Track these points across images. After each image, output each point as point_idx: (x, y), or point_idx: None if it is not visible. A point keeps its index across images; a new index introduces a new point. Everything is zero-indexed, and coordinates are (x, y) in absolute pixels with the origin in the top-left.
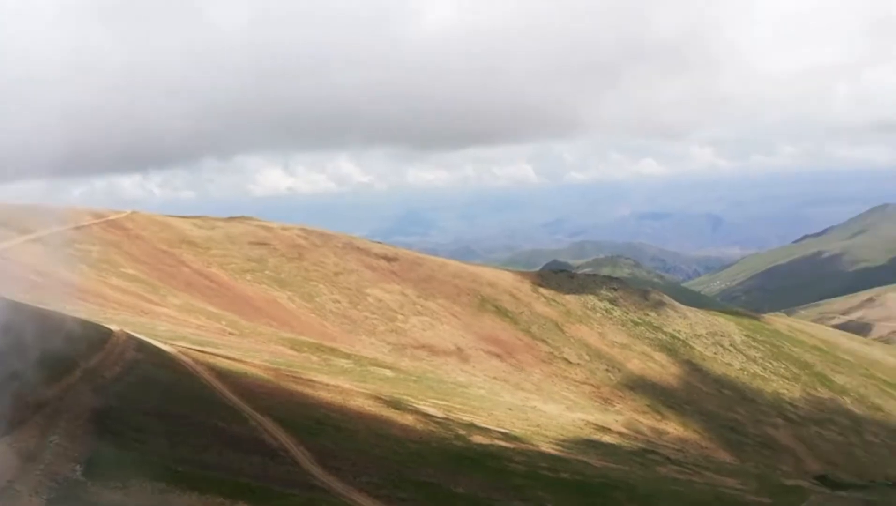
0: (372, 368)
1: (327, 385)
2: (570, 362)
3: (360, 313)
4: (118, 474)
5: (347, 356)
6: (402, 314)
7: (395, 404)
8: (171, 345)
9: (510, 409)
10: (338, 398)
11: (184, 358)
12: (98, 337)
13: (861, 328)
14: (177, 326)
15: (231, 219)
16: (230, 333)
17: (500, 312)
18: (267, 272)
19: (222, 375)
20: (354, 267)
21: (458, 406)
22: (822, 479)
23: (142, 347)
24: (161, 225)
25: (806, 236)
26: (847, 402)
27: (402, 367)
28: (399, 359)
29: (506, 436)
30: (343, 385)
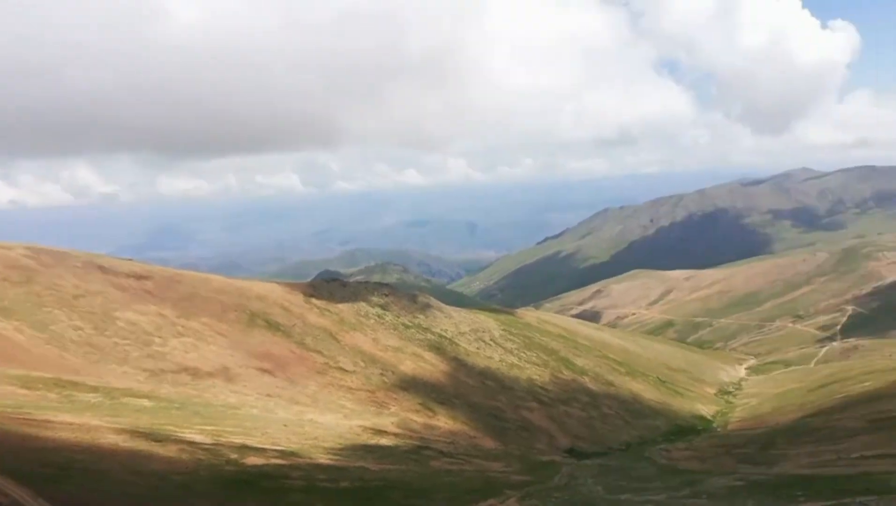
0: (126, 400)
1: (71, 424)
2: (345, 371)
3: (108, 340)
4: None
5: (94, 389)
6: (160, 337)
7: (156, 436)
8: None
9: (286, 425)
10: (85, 437)
11: None
12: None
13: (593, 316)
14: None
15: None
16: None
17: (272, 326)
18: None
19: None
20: (99, 288)
21: (229, 429)
22: (571, 451)
23: None
24: None
25: (547, 238)
26: (587, 381)
27: (162, 394)
28: (158, 386)
29: (282, 453)
30: (91, 422)
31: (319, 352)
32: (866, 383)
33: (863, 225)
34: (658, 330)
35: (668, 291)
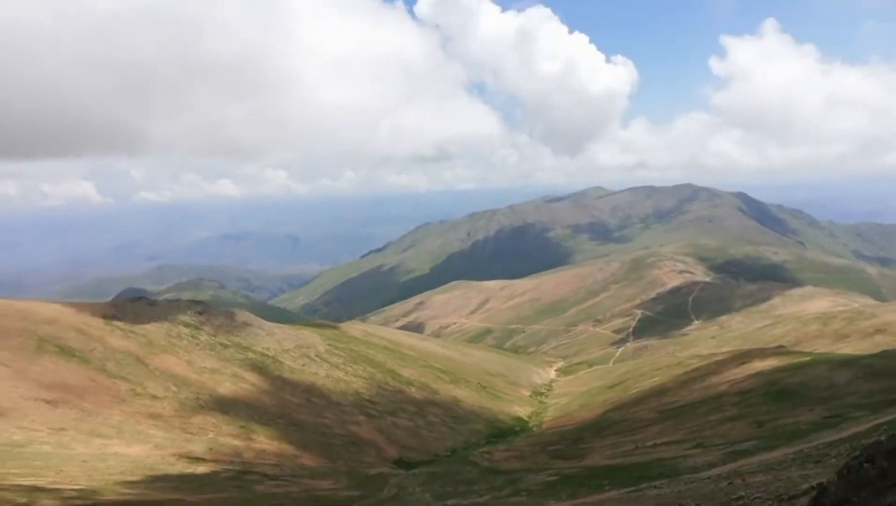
0: None
1: None
2: (155, 397)
3: None
4: None
5: None
6: None
7: None
8: None
9: (85, 460)
10: None
11: None
12: None
13: (417, 327)
14: None
15: None
16: None
17: (65, 352)
18: None
19: None
20: None
21: (15, 471)
22: (399, 462)
23: None
24: None
25: (371, 252)
26: (412, 391)
27: None
28: None
29: (82, 492)
30: None
31: (124, 378)
32: (655, 379)
33: (647, 238)
34: (478, 337)
35: (485, 301)
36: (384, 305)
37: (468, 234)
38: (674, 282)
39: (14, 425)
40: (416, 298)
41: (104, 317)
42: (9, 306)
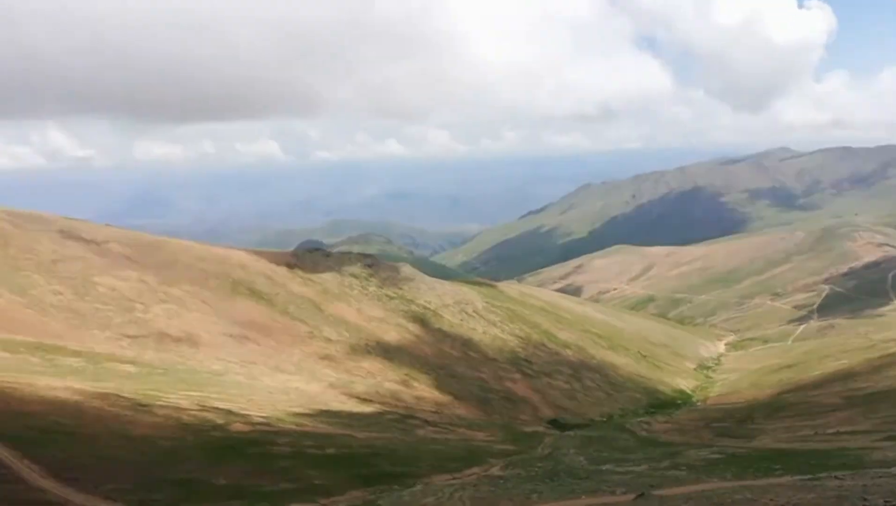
0: (109, 365)
1: (55, 388)
2: (329, 340)
3: (89, 305)
4: None
5: (77, 354)
6: (142, 303)
7: (141, 402)
8: None
9: (270, 392)
10: (70, 401)
11: None
12: None
13: (574, 291)
14: None
15: None
16: None
17: (255, 294)
18: None
19: None
20: (78, 254)
21: (215, 396)
22: (554, 422)
23: None
24: None
25: (529, 213)
26: (569, 354)
27: (146, 360)
28: (142, 352)
29: (267, 420)
30: (75, 386)
31: (303, 321)
32: (842, 361)
33: (839, 206)
34: (639, 305)
35: (649, 267)
36: (541, 267)
37: (632, 196)
38: (870, 256)
39: (213, 356)
40: (575, 262)
41: (287, 265)
42: (210, 252)
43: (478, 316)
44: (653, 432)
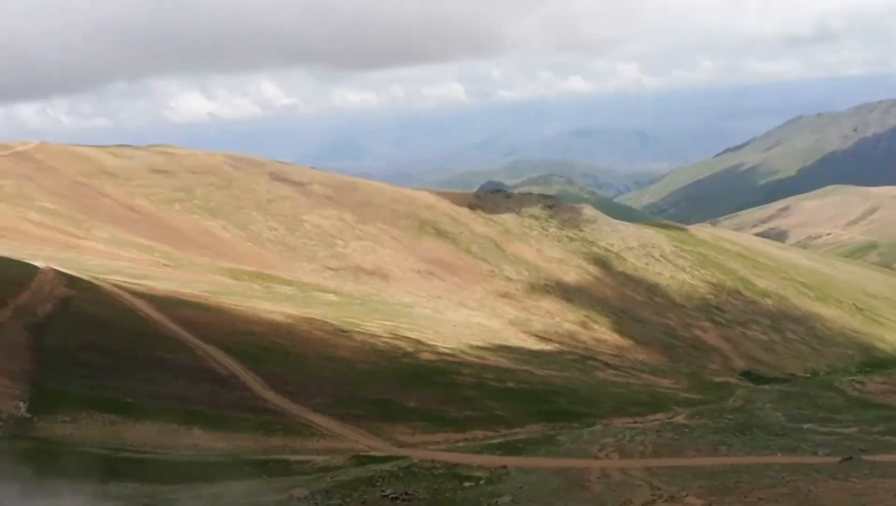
0: (315, 294)
1: (272, 312)
2: (510, 279)
3: (298, 240)
4: (66, 408)
5: (289, 283)
6: (341, 239)
7: (342, 328)
8: (105, 280)
9: (454, 326)
10: (284, 324)
11: (120, 292)
12: (24, 275)
13: (778, 235)
14: (107, 260)
15: (151, 147)
16: (165, 265)
17: (440, 233)
18: (196, 202)
19: (162, 307)
20: (288, 193)
21: (405, 326)
22: (747, 374)
23: (73, 282)
24: (74, 156)
25: (727, 150)
26: (768, 303)
27: (345, 291)
28: (342, 283)
29: (452, 351)
30: (288, 311)
31: (485, 260)
32: None
33: None
34: (857, 252)
35: (872, 210)
36: (738, 210)
37: (854, 129)
38: None
39: (403, 290)
40: (780, 203)
41: (469, 206)
42: (400, 193)
43: (665, 260)
44: (866, 392)
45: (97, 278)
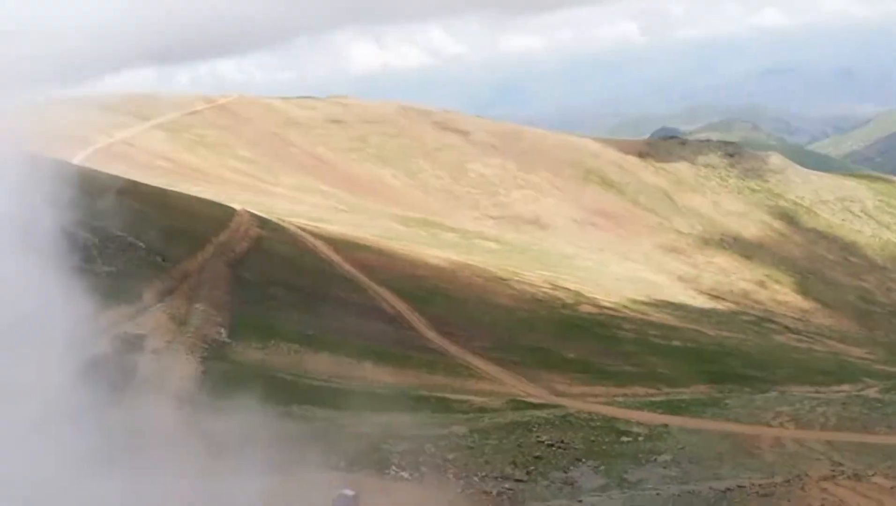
0: (477, 242)
1: (436, 257)
2: (680, 232)
3: (462, 188)
4: (257, 336)
5: (453, 230)
6: (504, 188)
7: (502, 276)
8: (290, 222)
9: (617, 279)
10: (447, 269)
11: (303, 234)
12: (224, 216)
13: None
14: (293, 205)
15: (329, 99)
16: (342, 210)
17: (606, 183)
18: (369, 150)
19: (339, 249)
20: (454, 142)
21: (565, 277)
22: None
23: (264, 224)
24: (266, 108)
25: None
26: None
27: (507, 240)
28: (503, 232)
29: (614, 305)
30: (451, 257)
31: (653, 211)
32: None
33: None
34: None
35: None
36: None
37: None
38: None
39: (564, 240)
40: None
41: (638, 154)
42: (565, 141)
43: (866, 216)
44: None
45: (284, 221)
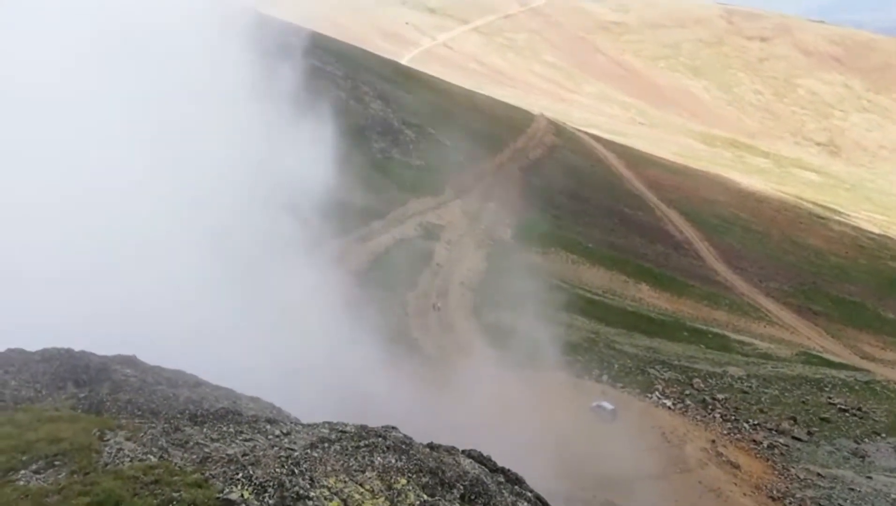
0: (794, 171)
1: (739, 183)
2: None
3: (785, 108)
4: (539, 241)
5: (765, 155)
6: (840, 110)
7: (818, 213)
8: (585, 132)
9: None
10: (751, 198)
11: (596, 145)
12: (523, 121)
13: None
14: (590, 115)
15: None
16: (640, 123)
17: None
18: (681, 59)
19: (631, 164)
20: (784, 53)
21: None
22: None
23: (559, 132)
24: (577, 11)
25: None
26: None
27: (831, 171)
28: (829, 162)
29: None
30: (757, 185)
31: None
32: None
33: None
34: None
35: None
36: None
37: None
38: None
39: None
40: None
41: None
42: None
43: None
44: None
45: (579, 130)
